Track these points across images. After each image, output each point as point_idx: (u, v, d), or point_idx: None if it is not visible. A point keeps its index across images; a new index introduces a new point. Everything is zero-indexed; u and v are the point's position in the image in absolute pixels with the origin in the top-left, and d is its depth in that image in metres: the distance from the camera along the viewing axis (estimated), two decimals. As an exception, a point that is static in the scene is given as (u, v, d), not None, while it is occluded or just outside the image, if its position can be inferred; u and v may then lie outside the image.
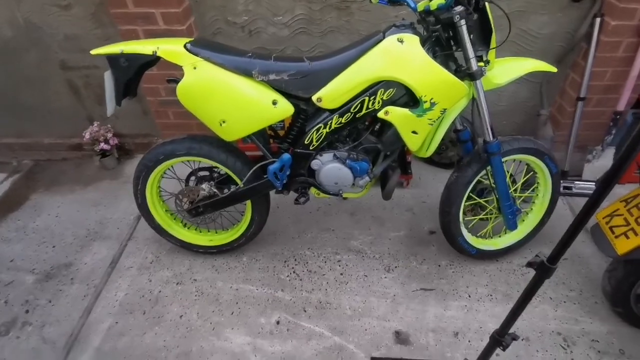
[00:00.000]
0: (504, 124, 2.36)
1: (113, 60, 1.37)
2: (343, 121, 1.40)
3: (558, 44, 2.04)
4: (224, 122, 1.40)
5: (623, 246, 1.33)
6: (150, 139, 2.55)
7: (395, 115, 1.35)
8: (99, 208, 2.23)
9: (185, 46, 1.35)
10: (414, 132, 1.37)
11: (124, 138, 2.54)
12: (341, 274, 1.79)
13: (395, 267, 1.81)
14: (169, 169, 1.64)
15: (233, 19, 2.04)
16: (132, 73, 1.40)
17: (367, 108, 1.36)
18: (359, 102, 1.36)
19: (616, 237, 1.38)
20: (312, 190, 1.63)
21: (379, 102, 1.35)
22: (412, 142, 1.40)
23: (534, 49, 2.05)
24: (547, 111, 2.16)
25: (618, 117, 2.07)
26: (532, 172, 1.71)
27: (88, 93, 2.38)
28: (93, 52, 1.38)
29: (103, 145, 2.40)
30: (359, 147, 1.49)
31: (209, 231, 1.86)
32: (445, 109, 1.34)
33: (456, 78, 1.29)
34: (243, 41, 2.11)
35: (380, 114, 1.36)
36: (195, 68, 1.34)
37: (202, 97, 1.38)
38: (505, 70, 1.40)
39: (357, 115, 1.38)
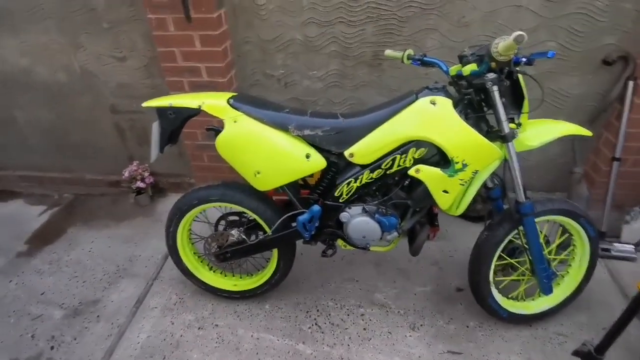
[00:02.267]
0: (534, 179, 2.32)
1: (161, 112, 1.48)
2: (374, 176, 1.43)
3: (590, 104, 2.04)
4: (258, 173, 1.46)
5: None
6: (183, 179, 2.66)
7: (426, 173, 1.37)
8: (129, 245, 2.30)
9: (228, 101, 1.44)
10: (444, 191, 1.38)
11: (159, 177, 2.66)
12: (364, 329, 1.74)
13: (421, 325, 1.74)
14: (201, 212, 1.70)
15: (271, 72, 2.17)
16: (178, 123, 1.50)
17: (398, 165, 1.39)
18: (390, 159, 1.39)
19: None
20: (339, 242, 1.64)
21: (410, 160, 1.37)
22: (443, 201, 1.40)
23: (564, 108, 2.06)
24: (581, 169, 2.12)
25: (657, 178, 2.00)
26: (567, 234, 1.65)
27: (132, 135, 2.54)
28: (145, 104, 1.49)
29: (139, 184, 2.52)
30: (388, 201, 1.51)
31: (233, 276, 1.88)
32: (477, 171, 1.35)
33: (489, 142, 1.31)
34: (279, 92, 2.23)
35: (411, 172, 1.38)
36: (235, 122, 1.43)
37: (239, 148, 1.45)
38: (538, 132, 1.41)
39: (387, 172, 1.41)
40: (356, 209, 1.52)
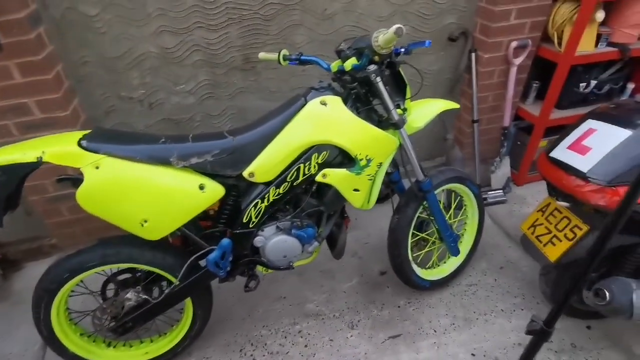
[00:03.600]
0: (417, 151, 2.53)
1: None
2: (281, 192, 1.32)
3: (446, 77, 2.28)
4: (145, 221, 1.20)
5: (553, 253, 1.47)
6: (41, 242, 2.12)
7: (334, 177, 1.32)
8: (-14, 345, 1.73)
9: (79, 143, 1.14)
10: (355, 189, 1.35)
11: (6, 247, 2.06)
12: (305, 346, 1.65)
13: (358, 321, 1.74)
14: (77, 284, 1.35)
15: (128, 94, 1.83)
16: (13, 186, 1.13)
17: (304, 174, 1.31)
18: (294, 170, 1.29)
19: (544, 245, 1.52)
20: (259, 268, 1.49)
21: (314, 167, 1.30)
22: (355, 199, 1.38)
23: (429, 85, 2.26)
24: (451, 135, 2.38)
25: (506, 131, 2.37)
26: (459, 197, 1.83)
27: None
28: (-47, 168, 1.08)
29: (-22, 265, 1.91)
30: (301, 213, 1.42)
31: (142, 342, 1.56)
32: (381, 163, 1.35)
33: (386, 133, 1.32)
34: (144, 115, 1.91)
35: (318, 178, 1.32)
36: (97, 168, 1.14)
37: (111, 199, 1.16)
38: (421, 113, 1.49)
39: (294, 184, 1.32)
40: (270, 230, 1.39)
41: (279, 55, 1.45)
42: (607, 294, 1.31)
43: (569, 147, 1.38)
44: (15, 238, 2.08)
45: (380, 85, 1.28)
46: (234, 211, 1.34)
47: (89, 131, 1.20)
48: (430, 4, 1.99)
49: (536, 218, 1.60)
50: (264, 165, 1.27)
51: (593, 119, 1.40)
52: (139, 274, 1.43)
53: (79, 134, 1.18)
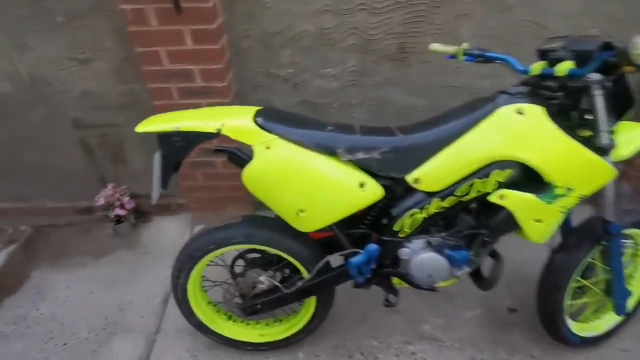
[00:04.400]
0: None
1: (164, 138, 1.11)
2: (445, 205, 1.16)
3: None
4: (302, 211, 1.14)
5: None
6: (170, 200, 2.26)
7: (515, 201, 1.12)
8: (116, 288, 1.90)
9: (255, 120, 1.10)
10: (537, 220, 1.14)
11: (140, 199, 2.24)
12: (420, 372, 1.50)
13: (482, 359, 1.54)
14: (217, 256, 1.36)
15: (276, 71, 1.81)
16: (189, 153, 1.14)
17: (477, 191, 1.13)
18: (467, 184, 1.12)
19: None
20: (395, 280, 1.37)
21: (492, 185, 1.12)
22: (533, 232, 1.16)
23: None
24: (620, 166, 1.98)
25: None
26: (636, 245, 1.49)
27: (103, 153, 2.09)
28: (138, 129, 1.11)
29: (118, 211, 2.09)
30: (457, 232, 1.25)
31: (258, 324, 1.56)
32: (583, 196, 1.11)
33: (603, 160, 1.08)
34: (286, 94, 1.88)
35: (494, 198, 1.13)
36: (268, 148, 1.09)
37: (276, 182, 1.12)
38: (629, 138, 1.20)
39: (462, 199, 1.14)
40: (418, 243, 1.25)
41: (459, 49, 1.27)
42: None
43: None
44: (148, 192, 2.24)
45: (600, 100, 1.03)
46: (384, 216, 1.22)
47: (261, 108, 1.16)
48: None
49: None
50: (434, 173, 1.12)
51: None
52: (269, 258, 1.40)
53: (252, 110, 1.15)
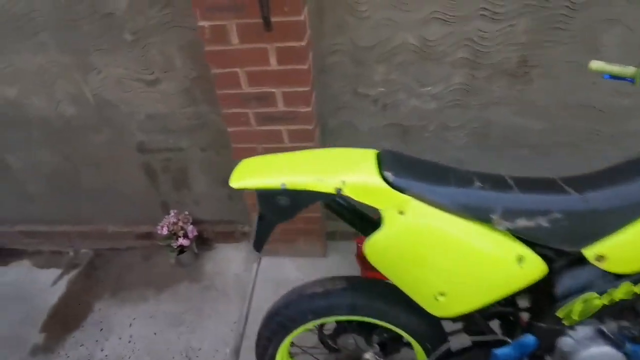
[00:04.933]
0: None
1: (266, 197, 0.88)
2: (638, 292, 0.85)
3: None
4: (442, 295, 0.88)
5: None
6: (235, 227, 2.07)
7: None
8: (181, 329, 1.73)
9: (383, 174, 0.84)
10: None
11: (202, 225, 2.06)
12: None
13: None
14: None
15: (365, 91, 1.55)
16: (294, 216, 0.91)
17: None
18: None
19: None
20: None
21: None
22: None
23: None
24: None
25: None
26: None
27: (166, 178, 1.92)
28: (234, 183, 0.88)
29: (182, 241, 1.92)
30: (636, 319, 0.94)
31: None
32: None
33: None
34: (373, 116, 1.61)
35: None
36: (402, 213, 0.83)
37: (411, 257, 0.86)
38: None
39: (665, 283, 0.83)
40: (585, 332, 0.94)
41: (637, 71, 0.95)
42: None
43: None
44: (214, 218, 2.07)
45: None
46: (542, 296, 0.93)
47: (380, 152, 0.90)
48: None
49: None
50: (628, 249, 0.82)
51: None
52: (373, 329, 1.15)
53: (371, 156, 0.89)
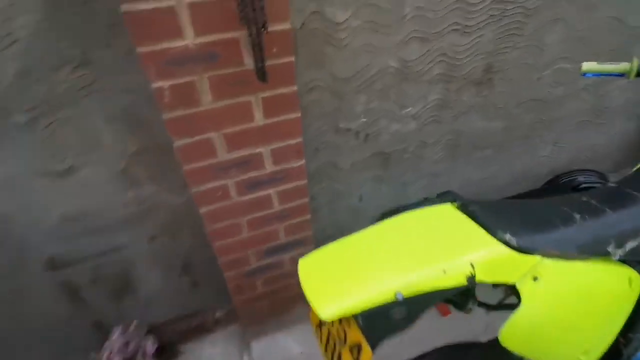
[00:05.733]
0: None
1: (375, 317, 0.63)
2: None
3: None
4: (586, 353, 0.76)
5: None
6: (204, 316, 1.65)
7: None
8: None
9: (501, 237, 0.68)
10: None
11: (161, 329, 1.58)
12: None
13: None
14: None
15: (347, 125, 1.36)
16: (409, 325, 0.67)
17: None
18: None
19: None
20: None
21: None
22: None
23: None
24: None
25: None
26: None
27: (96, 291, 1.39)
28: (326, 314, 0.61)
29: (143, 365, 1.43)
30: None
31: None
32: None
33: None
34: (355, 150, 1.44)
35: None
36: (535, 279, 0.68)
37: (553, 324, 0.72)
38: None
39: None
40: None
41: (631, 66, 1.01)
42: None
43: None
44: (174, 316, 1.61)
45: None
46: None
47: (462, 206, 0.75)
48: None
49: None
50: None
51: None
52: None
53: (459, 214, 0.73)
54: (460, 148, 1.64)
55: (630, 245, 0.76)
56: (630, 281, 0.79)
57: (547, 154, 1.86)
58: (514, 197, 1.89)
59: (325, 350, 0.78)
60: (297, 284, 0.69)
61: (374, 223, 0.79)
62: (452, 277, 0.63)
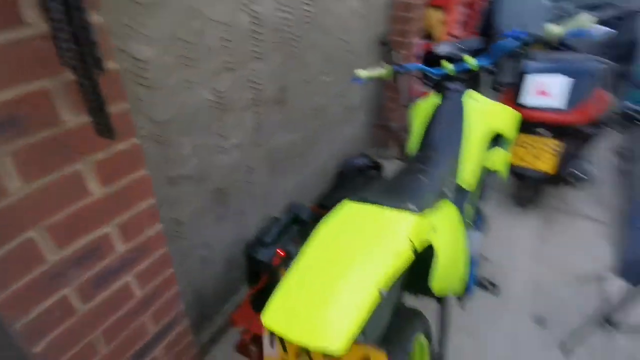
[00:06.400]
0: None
1: (373, 321, 0.63)
2: None
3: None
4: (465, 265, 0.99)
5: (547, 167, 2.17)
6: None
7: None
8: None
9: (410, 209, 0.82)
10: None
11: None
12: None
13: None
14: None
15: (180, 172, 1.19)
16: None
17: None
18: None
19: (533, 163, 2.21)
20: None
21: None
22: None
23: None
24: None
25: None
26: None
27: None
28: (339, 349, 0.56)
29: None
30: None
31: None
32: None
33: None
34: (195, 196, 1.28)
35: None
36: (434, 230, 0.86)
37: (452, 257, 0.91)
38: None
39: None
40: None
41: (387, 70, 1.42)
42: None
43: (536, 95, 2.09)
44: None
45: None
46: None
47: (350, 199, 0.88)
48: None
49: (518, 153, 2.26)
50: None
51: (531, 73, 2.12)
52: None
53: (352, 205, 0.85)
54: (277, 164, 1.76)
55: (450, 186, 1.08)
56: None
57: (330, 150, 2.26)
58: (334, 189, 2.20)
59: None
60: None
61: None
62: (404, 255, 0.71)
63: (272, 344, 0.72)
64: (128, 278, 0.90)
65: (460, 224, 1.05)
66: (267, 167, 1.67)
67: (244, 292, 1.70)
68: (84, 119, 0.67)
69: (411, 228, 0.76)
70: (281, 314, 0.63)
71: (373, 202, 0.83)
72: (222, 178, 1.41)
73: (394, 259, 0.69)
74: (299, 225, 1.52)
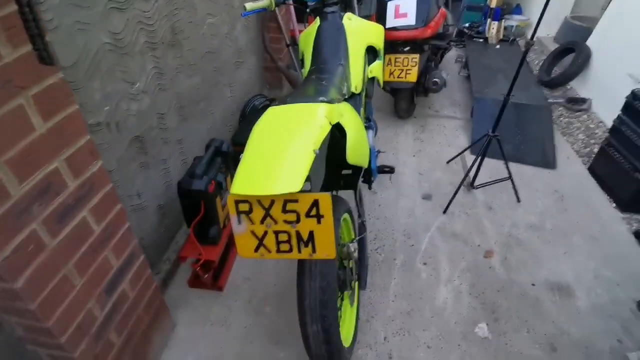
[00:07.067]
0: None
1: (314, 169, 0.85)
2: None
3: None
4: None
5: (412, 78, 2.63)
6: None
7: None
8: None
9: (323, 100, 1.05)
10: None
11: None
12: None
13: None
14: None
15: (95, 119, 1.19)
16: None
17: None
18: None
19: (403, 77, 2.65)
20: None
21: None
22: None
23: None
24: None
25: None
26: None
27: None
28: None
29: None
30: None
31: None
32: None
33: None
34: (113, 145, 1.30)
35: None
36: (342, 116, 1.11)
37: (358, 138, 1.18)
38: None
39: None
40: None
41: (270, 1, 1.57)
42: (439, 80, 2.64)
43: (396, 18, 2.46)
44: None
45: None
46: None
47: (283, 100, 1.08)
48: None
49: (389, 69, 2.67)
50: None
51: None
52: None
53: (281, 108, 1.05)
54: (185, 108, 1.80)
55: (345, 90, 1.33)
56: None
57: (233, 93, 2.34)
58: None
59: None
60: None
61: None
62: (325, 127, 0.94)
63: (239, 220, 0.89)
64: (84, 213, 0.96)
65: (358, 117, 1.33)
66: (176, 112, 1.71)
67: (182, 238, 1.79)
68: (20, 52, 0.69)
69: (326, 112, 0.99)
70: (246, 182, 0.81)
71: (292, 103, 1.03)
72: (137, 126, 1.43)
73: (318, 130, 0.91)
74: (222, 157, 1.65)
